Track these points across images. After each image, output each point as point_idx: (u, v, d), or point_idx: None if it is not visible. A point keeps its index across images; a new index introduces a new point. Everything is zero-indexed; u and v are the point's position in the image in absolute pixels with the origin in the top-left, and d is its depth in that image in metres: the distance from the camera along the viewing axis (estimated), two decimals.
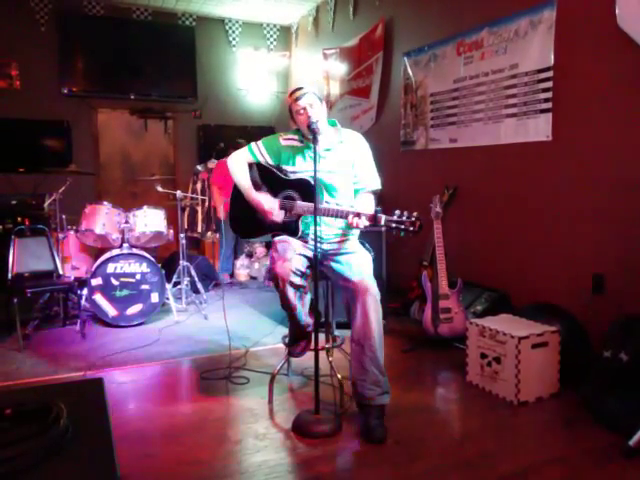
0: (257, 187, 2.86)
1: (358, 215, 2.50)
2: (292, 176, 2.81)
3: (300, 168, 2.80)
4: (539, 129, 3.72)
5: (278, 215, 2.77)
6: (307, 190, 2.71)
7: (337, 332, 3.16)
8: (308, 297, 2.80)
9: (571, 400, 2.91)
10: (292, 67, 7.80)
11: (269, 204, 2.77)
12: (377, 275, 3.87)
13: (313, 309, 2.77)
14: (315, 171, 2.53)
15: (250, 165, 2.90)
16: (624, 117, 3.18)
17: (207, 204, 6.61)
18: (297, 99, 2.69)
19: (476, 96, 4.27)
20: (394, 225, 2.44)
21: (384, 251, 4.19)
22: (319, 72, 6.74)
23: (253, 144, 2.91)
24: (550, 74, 3.62)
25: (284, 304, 2.69)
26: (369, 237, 3.42)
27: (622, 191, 3.21)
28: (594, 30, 3.32)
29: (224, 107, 7.50)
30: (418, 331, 4.00)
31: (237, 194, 2.93)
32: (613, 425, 2.56)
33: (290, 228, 2.76)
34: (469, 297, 4.09)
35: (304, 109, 2.67)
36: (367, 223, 2.49)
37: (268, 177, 2.86)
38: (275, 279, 2.62)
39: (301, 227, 2.75)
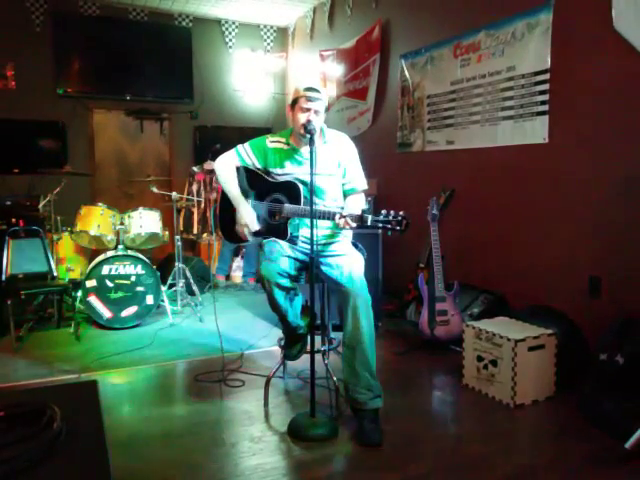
0: (244, 192, 2.86)
1: (344, 216, 2.50)
2: (279, 179, 2.80)
3: (287, 171, 2.80)
4: (536, 131, 3.73)
5: (248, 234, 2.79)
6: (294, 192, 2.71)
7: (333, 334, 3.15)
8: (298, 299, 2.79)
9: (567, 403, 2.91)
10: (289, 68, 7.80)
11: (246, 219, 2.77)
12: (373, 277, 3.89)
13: (308, 311, 2.76)
14: (312, 173, 2.51)
15: (237, 168, 2.88)
16: (621, 120, 3.19)
17: (203, 205, 6.60)
18: (309, 99, 2.65)
19: (473, 98, 4.28)
20: (380, 225, 2.44)
21: (380, 253, 4.19)
22: (316, 73, 6.74)
23: (240, 147, 2.89)
24: (547, 76, 3.62)
25: (272, 306, 2.69)
26: (365, 239, 3.41)
27: (619, 194, 3.21)
28: (591, 33, 3.33)
29: (220, 108, 7.49)
30: (414, 333, 4.00)
31: (225, 199, 2.92)
32: (609, 428, 2.56)
33: (278, 231, 2.75)
34: (466, 299, 4.09)
35: (309, 110, 2.65)
36: (354, 224, 2.48)
37: (255, 180, 2.86)
38: (261, 280, 2.63)
39: (289, 230, 2.74)
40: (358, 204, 2.75)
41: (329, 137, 2.82)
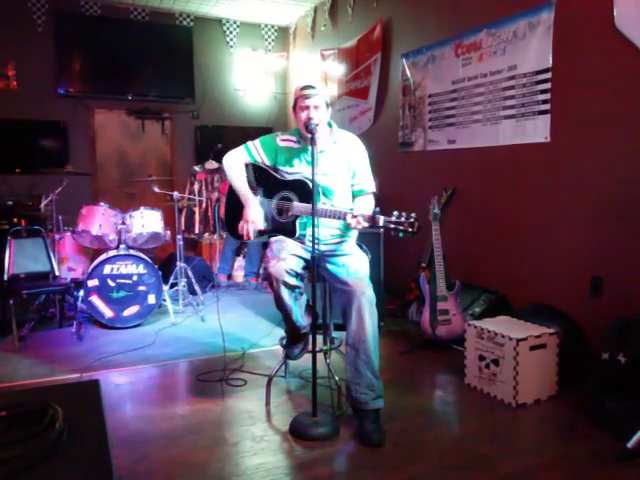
0: (252, 189, 2.85)
1: (356, 216, 2.50)
2: (289, 177, 2.79)
3: (296, 170, 2.79)
4: (537, 130, 3.72)
5: (252, 231, 2.76)
6: (304, 191, 2.70)
7: (335, 334, 3.15)
8: (304, 298, 2.79)
9: (569, 402, 2.90)
10: (290, 68, 7.79)
11: (252, 216, 2.76)
12: (375, 276, 3.88)
13: (310, 310, 2.76)
14: (313, 172, 2.52)
15: (246, 165, 2.88)
16: (622, 119, 3.18)
17: (204, 205, 6.60)
18: (305, 96, 2.66)
19: (474, 97, 4.27)
20: (392, 226, 2.44)
21: (382, 252, 4.19)
22: (317, 73, 6.73)
23: (250, 143, 2.89)
24: (548, 75, 3.62)
25: (279, 305, 2.68)
26: (367, 238, 3.41)
27: (621, 193, 3.20)
28: (592, 32, 3.32)
29: (221, 108, 7.49)
30: (416, 333, 4.00)
31: (232, 195, 2.92)
32: (611, 427, 2.55)
33: (287, 229, 2.74)
34: (467, 299, 4.09)
35: (308, 108, 2.65)
36: (366, 224, 2.48)
37: (264, 177, 2.85)
38: (269, 279, 2.61)
39: (298, 228, 2.73)
40: (368, 206, 2.75)
41: (339, 138, 2.82)
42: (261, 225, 2.77)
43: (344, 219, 2.55)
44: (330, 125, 2.84)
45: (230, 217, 2.99)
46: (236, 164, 2.87)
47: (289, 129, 2.94)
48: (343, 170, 2.78)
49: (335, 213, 2.58)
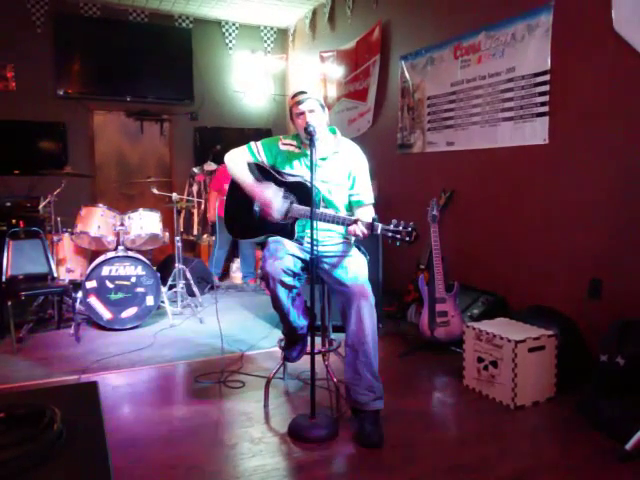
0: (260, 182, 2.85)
1: (355, 222, 2.50)
2: (289, 178, 2.80)
3: (296, 172, 2.80)
4: (536, 133, 3.73)
5: (279, 210, 2.70)
6: (304, 193, 2.70)
7: (333, 335, 3.15)
8: (301, 299, 2.79)
9: (568, 404, 2.91)
10: (289, 70, 7.80)
11: (269, 196, 2.71)
12: (374, 278, 3.87)
13: (308, 312, 2.76)
14: (312, 174, 2.52)
15: (247, 164, 2.89)
16: (621, 121, 3.19)
17: (203, 207, 6.60)
18: (298, 103, 2.68)
19: (473, 99, 4.28)
20: (390, 234, 2.44)
21: (381, 254, 4.19)
22: (316, 75, 6.74)
23: (252, 144, 2.90)
24: (547, 78, 3.62)
25: (275, 304, 2.69)
26: (365, 240, 3.40)
27: (619, 195, 3.21)
28: (591, 34, 3.33)
29: (221, 109, 7.49)
30: (415, 334, 4.00)
31: (232, 193, 2.92)
32: (610, 429, 2.55)
33: (285, 230, 2.75)
34: (466, 300, 4.09)
35: (303, 113, 2.67)
36: (365, 230, 2.48)
37: (265, 177, 2.85)
38: (266, 278, 2.61)
39: (297, 230, 2.73)
40: (368, 217, 2.74)
41: (342, 146, 2.82)
42: (278, 202, 2.70)
43: (343, 224, 2.55)
44: (334, 132, 2.85)
45: (230, 217, 2.98)
46: (238, 160, 2.87)
47: (288, 131, 2.95)
48: (343, 180, 2.78)
49: (334, 218, 2.58)
